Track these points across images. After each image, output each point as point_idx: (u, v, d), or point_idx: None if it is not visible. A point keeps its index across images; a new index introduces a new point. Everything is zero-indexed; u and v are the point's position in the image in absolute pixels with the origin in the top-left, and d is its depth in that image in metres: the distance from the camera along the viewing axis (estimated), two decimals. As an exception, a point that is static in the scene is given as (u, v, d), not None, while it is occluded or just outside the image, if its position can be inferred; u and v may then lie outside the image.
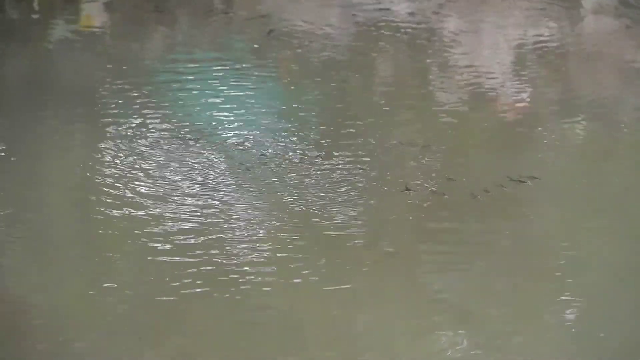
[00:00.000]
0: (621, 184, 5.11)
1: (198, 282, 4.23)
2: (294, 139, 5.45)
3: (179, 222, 4.62)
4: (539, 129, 5.64)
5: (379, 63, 6.60)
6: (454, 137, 5.53)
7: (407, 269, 4.38)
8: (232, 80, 6.22)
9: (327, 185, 4.99)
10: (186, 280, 4.23)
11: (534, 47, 6.90)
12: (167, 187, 4.92)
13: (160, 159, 5.20)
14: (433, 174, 5.09)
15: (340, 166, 5.17)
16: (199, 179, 5.02)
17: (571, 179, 5.15)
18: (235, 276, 4.27)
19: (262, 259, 4.38)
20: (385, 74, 6.47)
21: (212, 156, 5.24)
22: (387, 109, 5.86)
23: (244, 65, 6.43)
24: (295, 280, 4.27)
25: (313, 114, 5.80)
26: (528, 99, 6.07)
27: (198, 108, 5.81)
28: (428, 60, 6.62)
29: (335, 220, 4.67)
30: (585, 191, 5.02)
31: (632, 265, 4.42)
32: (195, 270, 4.29)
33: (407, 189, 4.95)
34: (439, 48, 6.82)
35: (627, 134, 5.67)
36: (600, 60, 6.71)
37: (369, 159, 5.24)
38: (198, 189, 4.92)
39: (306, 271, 4.32)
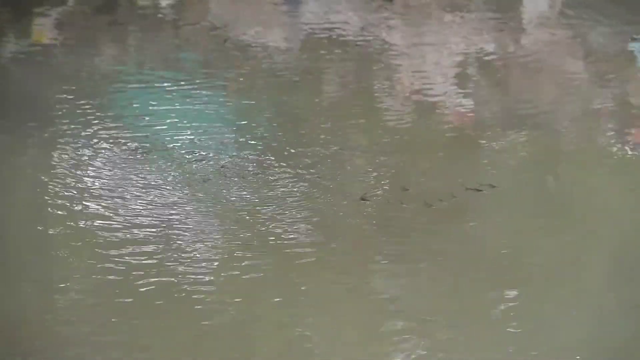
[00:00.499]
0: (567, 190, 5.18)
1: (149, 297, 4.22)
2: (247, 151, 5.46)
3: (132, 235, 4.62)
4: (486, 139, 5.69)
5: (330, 75, 6.64)
6: (407, 148, 5.56)
7: (364, 279, 4.40)
8: (184, 94, 6.23)
9: (282, 197, 5.00)
10: (137, 297, 4.23)
11: (478, 59, 6.98)
12: (121, 201, 4.91)
13: (114, 173, 5.19)
14: (388, 185, 5.13)
15: (295, 178, 5.19)
16: (152, 192, 5.01)
17: (519, 186, 5.19)
18: (191, 292, 4.27)
19: (214, 271, 4.39)
20: (336, 86, 6.49)
21: (166, 170, 5.24)
22: (339, 121, 5.87)
23: (196, 78, 6.43)
24: (247, 293, 4.27)
25: (265, 126, 5.80)
26: (474, 110, 6.13)
27: (151, 123, 5.80)
28: (378, 73, 6.66)
29: (291, 231, 4.69)
30: (533, 198, 5.08)
31: (583, 270, 4.49)
32: (149, 288, 4.28)
33: (363, 199, 4.99)
34: (388, 61, 6.87)
35: (569, 143, 5.75)
36: (542, 71, 6.80)
37: (324, 171, 5.26)
38: (151, 203, 4.91)
39: (258, 284, 4.33)
